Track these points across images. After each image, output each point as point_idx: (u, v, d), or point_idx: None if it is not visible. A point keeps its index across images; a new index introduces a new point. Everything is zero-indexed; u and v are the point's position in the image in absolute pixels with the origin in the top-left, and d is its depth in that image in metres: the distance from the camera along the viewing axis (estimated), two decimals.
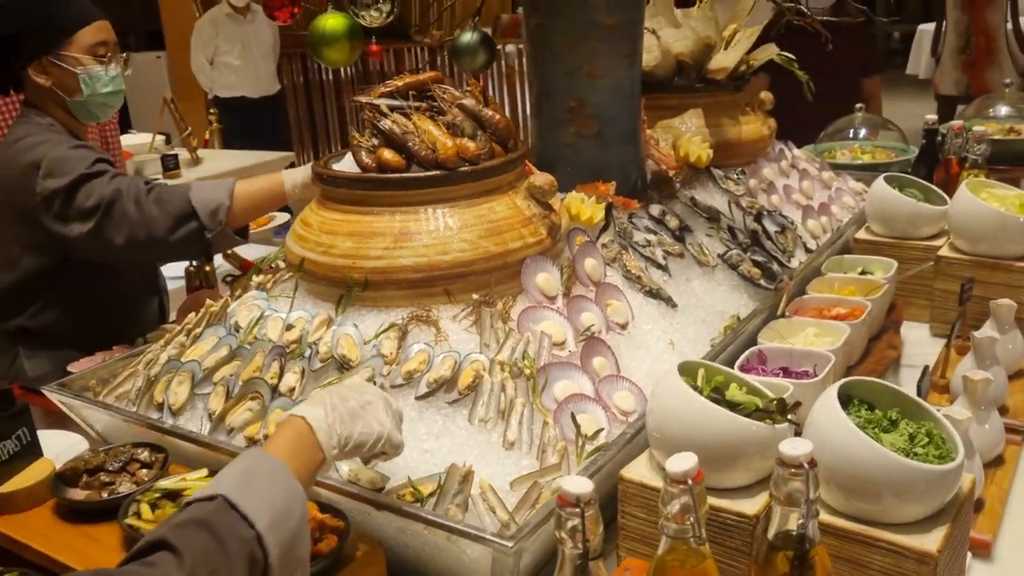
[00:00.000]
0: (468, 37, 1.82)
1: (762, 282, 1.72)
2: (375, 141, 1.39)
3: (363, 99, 1.44)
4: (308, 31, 1.86)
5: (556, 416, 1.22)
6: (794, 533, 0.83)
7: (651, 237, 1.67)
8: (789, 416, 1.13)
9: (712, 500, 1.10)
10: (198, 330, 1.46)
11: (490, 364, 1.26)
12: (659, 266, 1.62)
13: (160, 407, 1.36)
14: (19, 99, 2.05)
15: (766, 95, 2.17)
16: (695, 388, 1.15)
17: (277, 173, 1.84)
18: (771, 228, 1.91)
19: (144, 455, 1.28)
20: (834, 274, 1.91)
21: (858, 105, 2.76)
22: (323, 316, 1.37)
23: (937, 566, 0.99)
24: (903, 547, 1.00)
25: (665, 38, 2.04)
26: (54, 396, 1.45)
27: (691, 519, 0.79)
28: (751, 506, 1.09)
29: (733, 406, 1.13)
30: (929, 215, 2.01)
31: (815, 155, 2.67)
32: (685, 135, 2.01)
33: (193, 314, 1.50)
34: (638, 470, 1.16)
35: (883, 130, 2.69)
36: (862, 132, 2.67)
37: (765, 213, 1.93)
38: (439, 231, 1.35)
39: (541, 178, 1.42)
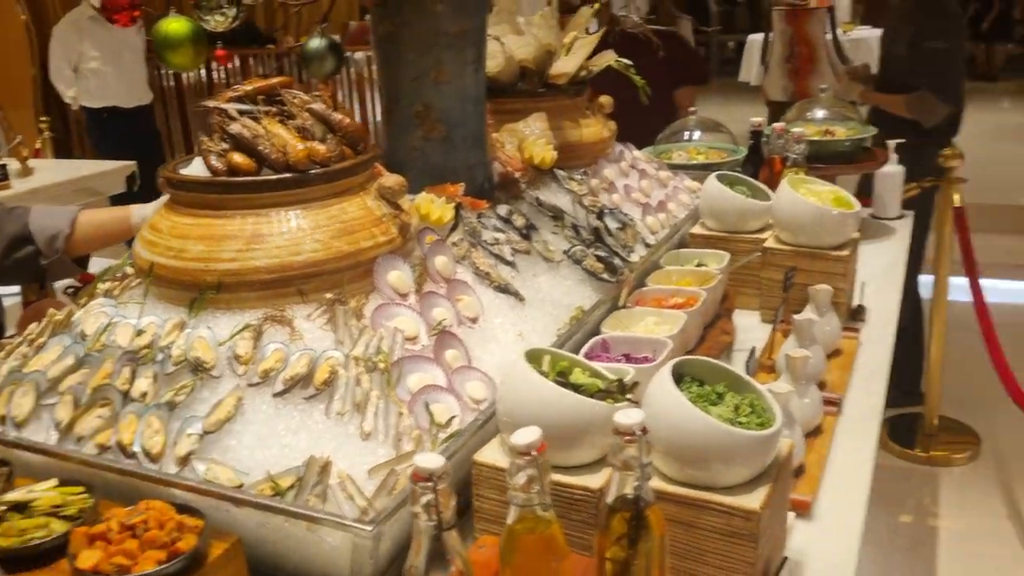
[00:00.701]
0: (316, 43, 1.84)
1: (605, 276, 1.82)
2: (225, 145, 1.40)
3: (211, 103, 1.44)
4: (151, 35, 1.83)
5: (411, 406, 1.27)
6: (630, 496, 0.91)
7: (499, 235, 1.74)
8: (628, 395, 1.22)
9: (560, 477, 1.17)
10: (41, 340, 1.42)
11: (345, 360, 1.29)
12: (507, 263, 1.69)
13: (2, 420, 1.32)
14: None
15: (605, 99, 2.29)
16: (541, 373, 1.22)
17: (127, 206, 1.82)
18: (612, 225, 2.02)
19: None
20: (672, 267, 2.03)
21: (692, 109, 2.93)
22: (176, 320, 1.36)
23: (760, 521, 1.09)
24: (731, 507, 1.10)
25: (508, 45, 2.12)
26: None
27: (536, 488, 0.86)
28: (596, 480, 1.17)
29: (576, 388, 1.21)
30: (755, 210, 2.17)
31: (654, 156, 2.83)
32: (530, 138, 2.10)
33: (35, 324, 1.46)
34: (490, 454, 1.22)
35: (716, 132, 2.87)
36: (696, 134, 2.84)
37: (606, 211, 2.04)
38: (291, 232, 1.37)
39: (391, 179, 1.46)
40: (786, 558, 1.19)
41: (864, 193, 3.00)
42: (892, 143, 2.88)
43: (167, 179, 1.44)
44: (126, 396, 1.28)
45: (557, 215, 1.95)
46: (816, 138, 2.74)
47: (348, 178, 1.44)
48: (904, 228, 2.87)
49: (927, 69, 3.44)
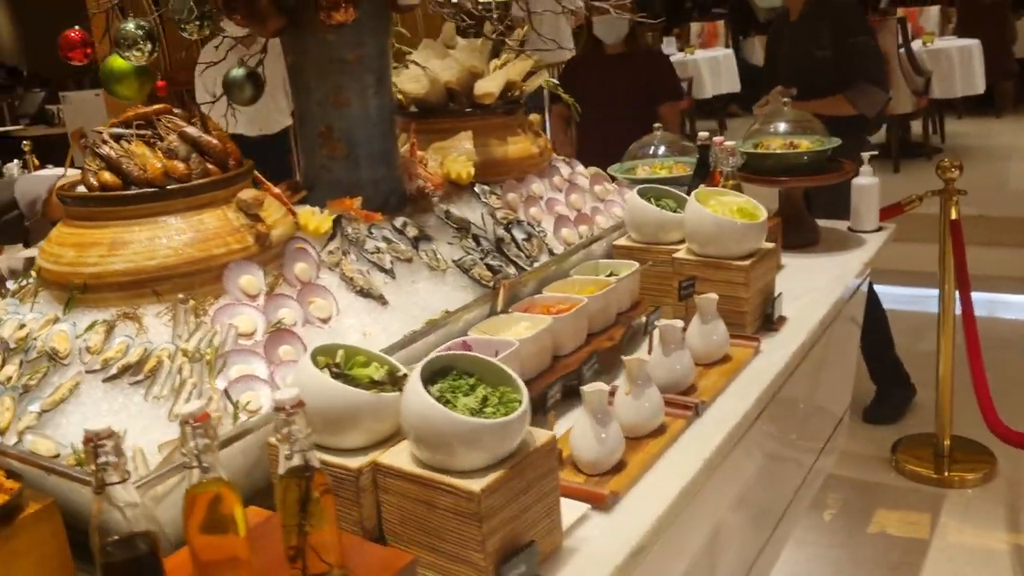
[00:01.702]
0: (235, 73, 2.03)
1: (492, 284, 1.94)
2: (99, 165, 1.60)
3: (97, 129, 1.65)
4: (100, 71, 2.07)
5: (223, 394, 1.43)
6: (297, 466, 1.04)
7: (382, 245, 1.88)
8: (401, 387, 1.34)
9: (327, 457, 1.31)
10: None
11: (175, 351, 1.46)
12: (384, 270, 1.83)
13: None
14: None
15: (534, 117, 2.41)
16: (327, 366, 1.36)
17: None
18: (519, 236, 2.13)
19: None
20: (580, 276, 2.13)
21: (656, 125, 3.00)
22: (51, 315, 1.57)
23: (481, 503, 1.19)
24: (456, 488, 1.21)
25: (433, 68, 2.27)
26: None
27: (197, 452, 1.00)
28: (355, 462, 1.30)
29: (349, 379, 1.34)
30: (672, 222, 2.24)
31: (620, 172, 2.91)
32: (451, 155, 2.23)
33: None
34: None
35: (681, 148, 2.93)
36: (661, 149, 2.91)
37: (516, 223, 2.16)
38: (147, 240, 1.56)
39: (247, 193, 1.64)
40: (532, 542, 1.28)
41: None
42: (867, 155, 2.87)
43: (59, 195, 1.65)
44: None
45: (462, 227, 2.08)
46: (779, 151, 2.76)
47: (206, 193, 1.62)
48: (879, 241, 2.85)
49: (859, 63, 3.53)
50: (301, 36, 1.93)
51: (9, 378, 1.49)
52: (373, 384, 1.34)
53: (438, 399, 1.27)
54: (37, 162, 4.66)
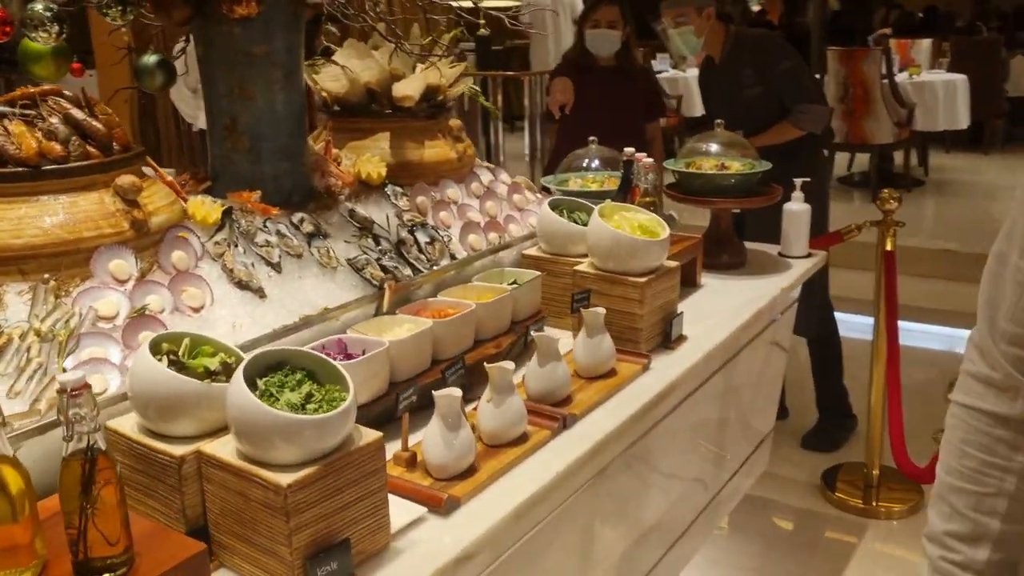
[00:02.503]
0: (147, 59, 2.05)
1: (381, 284, 1.95)
2: None
3: None
4: (18, 51, 2.08)
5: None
6: (80, 448, 1.05)
7: (273, 239, 1.90)
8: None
9: (151, 442, 1.33)
10: None
11: (28, 330, 1.48)
12: (270, 264, 1.85)
13: None
14: None
15: (455, 123, 2.42)
16: (167, 353, 1.38)
17: None
18: (422, 239, 2.15)
19: None
20: (480, 283, 2.14)
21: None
22: None
23: (288, 497, 1.21)
24: (265, 480, 1.22)
25: (353, 68, 2.29)
26: None
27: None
28: (180, 450, 1.31)
29: (183, 368, 1.35)
30: (579, 235, 2.25)
31: (553, 184, 2.92)
32: (365, 155, 2.25)
33: None
34: (123, 422, 1.39)
35: (618, 163, 2.94)
36: (595, 163, 2.92)
37: (420, 226, 2.17)
38: (16, 219, 1.58)
39: (125, 179, 1.65)
40: (346, 539, 1.29)
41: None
42: (799, 181, 2.88)
43: None
44: None
45: (364, 226, 2.10)
46: (709, 171, 2.78)
47: (82, 176, 1.64)
48: (804, 267, 2.86)
49: (792, 89, 3.62)
50: (208, 27, 1.95)
51: None
52: (207, 374, 1.36)
53: (262, 393, 1.28)
54: None
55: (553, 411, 1.78)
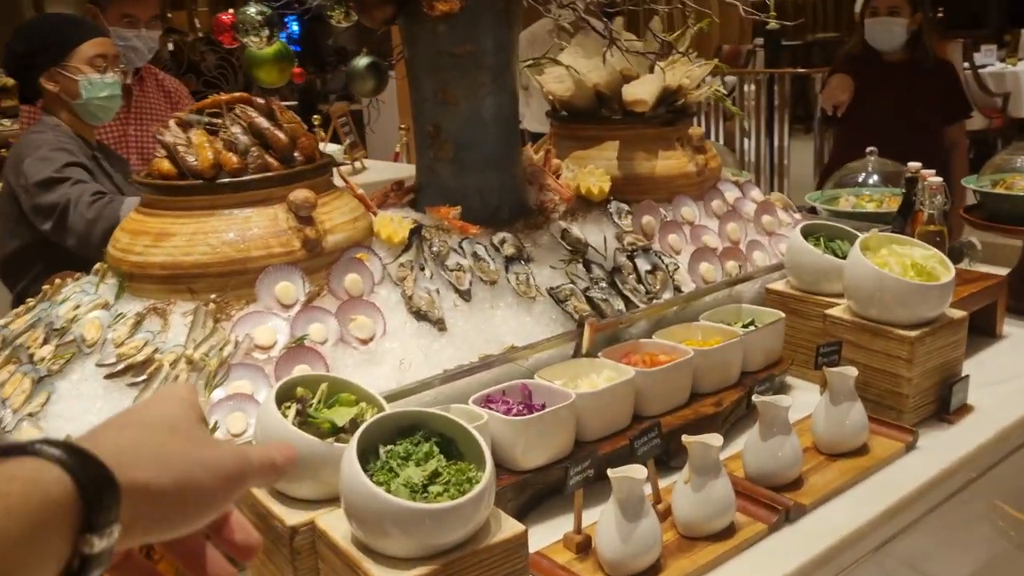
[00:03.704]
0: (359, 63, 1.93)
1: (582, 321, 1.68)
2: (161, 153, 1.55)
3: (177, 115, 1.61)
4: (244, 57, 2.06)
5: (212, 409, 1.32)
6: None
7: (466, 262, 1.69)
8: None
9: (271, 504, 1.16)
10: (31, 302, 1.69)
11: (180, 357, 1.38)
12: (457, 291, 1.64)
13: None
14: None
15: (695, 130, 2.08)
16: (296, 399, 1.20)
17: None
18: (643, 267, 1.85)
19: None
20: (708, 322, 1.81)
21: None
22: (101, 300, 1.55)
23: None
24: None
25: (580, 69, 2.03)
26: None
27: None
28: (296, 517, 1.13)
29: (307, 424, 1.17)
30: (835, 270, 1.84)
31: (820, 202, 2.49)
32: (588, 167, 1.99)
33: (48, 287, 1.74)
34: None
35: (897, 177, 2.45)
36: (873, 179, 2.44)
37: (643, 251, 1.87)
38: (188, 234, 1.49)
39: (298, 194, 1.51)
40: None
41: None
42: None
43: (131, 180, 1.63)
44: (31, 358, 1.49)
45: (577, 249, 1.84)
46: (1000, 191, 2.22)
47: (257, 189, 1.52)
48: None
49: None
50: (412, 27, 1.78)
51: (42, 359, 1.48)
52: (333, 431, 1.16)
53: (382, 465, 1.07)
54: (324, 134, 4.77)
55: (774, 498, 1.42)
